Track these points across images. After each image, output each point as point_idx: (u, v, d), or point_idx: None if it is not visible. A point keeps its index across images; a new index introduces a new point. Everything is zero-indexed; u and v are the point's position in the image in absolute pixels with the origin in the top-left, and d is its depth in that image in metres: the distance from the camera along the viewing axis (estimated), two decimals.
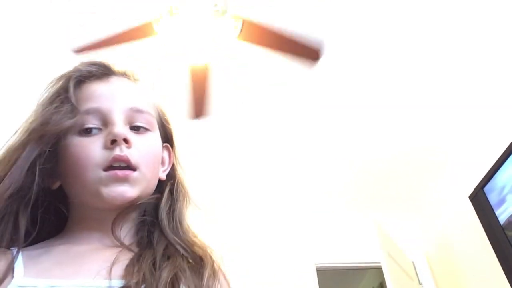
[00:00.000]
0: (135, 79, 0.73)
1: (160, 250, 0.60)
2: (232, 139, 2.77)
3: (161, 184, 0.70)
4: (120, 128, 0.63)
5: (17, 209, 0.59)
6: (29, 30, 2.04)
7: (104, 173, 0.61)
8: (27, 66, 2.18)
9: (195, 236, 0.67)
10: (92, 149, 0.61)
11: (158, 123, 0.71)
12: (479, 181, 2.46)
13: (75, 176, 0.62)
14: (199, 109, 2.10)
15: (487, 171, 2.40)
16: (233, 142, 2.79)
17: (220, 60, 2.15)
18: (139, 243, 0.63)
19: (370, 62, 2.32)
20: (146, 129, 0.67)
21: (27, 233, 0.60)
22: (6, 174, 0.59)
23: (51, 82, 0.67)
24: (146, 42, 1.87)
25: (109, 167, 0.61)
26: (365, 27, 2.15)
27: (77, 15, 1.99)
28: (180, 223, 0.67)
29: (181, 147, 0.78)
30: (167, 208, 0.67)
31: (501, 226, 2.25)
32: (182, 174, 0.74)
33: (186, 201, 0.71)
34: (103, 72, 0.69)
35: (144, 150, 0.65)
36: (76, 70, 0.68)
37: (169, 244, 0.62)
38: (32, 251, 0.59)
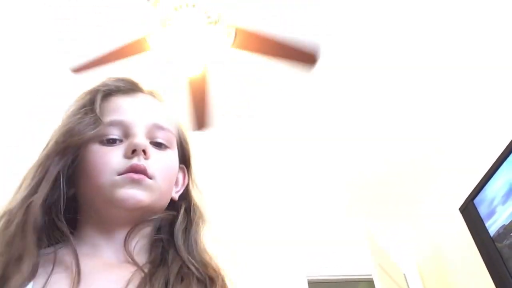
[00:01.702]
0: (160, 99, 0.76)
1: (174, 270, 0.61)
2: (223, 150, 2.77)
3: (174, 204, 0.71)
4: (141, 139, 0.65)
5: (52, 216, 0.62)
6: (26, 50, 2.05)
7: (119, 177, 0.63)
8: (25, 85, 2.19)
9: (210, 258, 0.67)
10: (111, 156, 0.64)
11: (177, 143, 0.73)
12: (469, 193, 2.48)
13: (91, 181, 0.64)
14: (200, 120, 2.08)
15: (477, 183, 2.42)
16: (224, 153, 2.79)
17: (216, 69, 2.15)
18: (152, 262, 0.63)
19: (362, 77, 2.35)
20: (166, 146, 0.69)
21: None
22: (39, 185, 0.61)
23: (79, 96, 0.70)
24: (141, 58, 1.86)
25: (125, 173, 0.63)
26: (357, 42, 2.18)
27: (71, 32, 1.99)
28: (196, 243, 0.67)
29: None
30: (183, 227, 0.68)
31: (491, 238, 2.27)
32: (199, 196, 0.75)
33: (202, 222, 0.71)
34: (130, 88, 0.72)
35: (161, 164, 0.67)
36: (104, 84, 0.71)
37: (183, 265, 0.62)
38: (41, 257, 0.59)
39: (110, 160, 0.63)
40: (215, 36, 1.81)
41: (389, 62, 2.29)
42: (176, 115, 0.76)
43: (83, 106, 0.67)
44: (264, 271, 3.19)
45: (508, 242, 2.15)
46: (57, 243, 0.62)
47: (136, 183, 0.62)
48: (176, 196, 0.72)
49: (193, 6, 1.76)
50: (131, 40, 1.80)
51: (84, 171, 0.64)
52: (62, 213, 0.62)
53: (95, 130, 0.64)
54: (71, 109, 0.69)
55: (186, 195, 0.74)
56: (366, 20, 2.09)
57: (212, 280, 0.63)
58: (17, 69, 2.16)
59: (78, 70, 1.80)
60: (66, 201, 0.64)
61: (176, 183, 0.73)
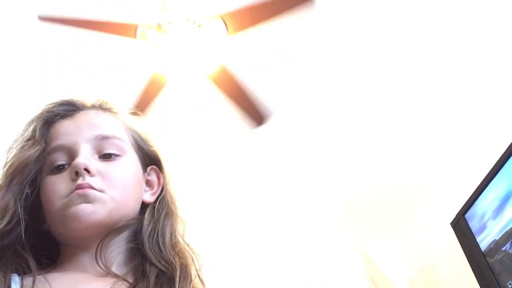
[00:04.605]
0: (105, 108, 0.74)
1: (152, 279, 0.61)
2: (217, 165, 2.77)
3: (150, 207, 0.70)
4: (82, 158, 0.64)
5: (15, 246, 0.61)
6: None
7: (66, 198, 0.62)
8: None
9: (177, 247, 0.67)
10: (58, 183, 0.63)
11: (134, 146, 0.72)
12: (460, 208, 2.49)
13: (48, 212, 0.64)
14: (255, 115, 2.01)
15: (468, 198, 2.44)
16: (218, 168, 2.79)
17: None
18: (134, 272, 0.64)
19: (351, 96, 2.37)
20: (116, 155, 0.68)
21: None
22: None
23: (21, 130, 0.70)
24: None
25: None
26: (347, 59, 2.21)
27: None
28: (163, 242, 0.66)
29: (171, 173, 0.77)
30: (149, 230, 0.67)
31: (482, 253, 2.28)
32: (169, 193, 0.73)
33: (170, 216, 0.70)
34: (68, 109, 0.71)
35: (111, 175, 0.65)
36: (42, 113, 0.70)
37: (159, 272, 0.62)
38: (28, 277, 0.59)
39: (58, 187, 0.63)
40: (209, 35, 1.78)
41: (380, 81, 2.32)
42: (126, 119, 0.74)
43: (25, 137, 0.68)
44: (258, 285, 3.17)
45: (499, 257, 2.17)
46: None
47: (82, 196, 0.61)
48: (152, 198, 0.71)
49: (169, 23, 1.73)
50: (120, 21, 1.73)
51: (43, 205, 0.64)
52: (32, 245, 0.63)
53: (33, 151, 0.64)
54: (14, 145, 0.68)
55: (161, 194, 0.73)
56: (348, 49, 2.13)
57: (176, 272, 0.63)
58: None
59: (46, 19, 1.68)
60: (45, 234, 0.65)
61: (151, 185, 0.73)
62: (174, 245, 0.67)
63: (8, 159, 0.66)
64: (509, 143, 2.10)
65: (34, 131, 0.67)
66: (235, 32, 1.78)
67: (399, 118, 2.53)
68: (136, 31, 1.72)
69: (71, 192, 0.61)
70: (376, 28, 2.08)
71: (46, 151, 0.65)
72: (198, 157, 2.65)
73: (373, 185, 2.98)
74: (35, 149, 0.65)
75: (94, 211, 0.61)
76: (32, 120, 0.69)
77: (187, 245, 0.69)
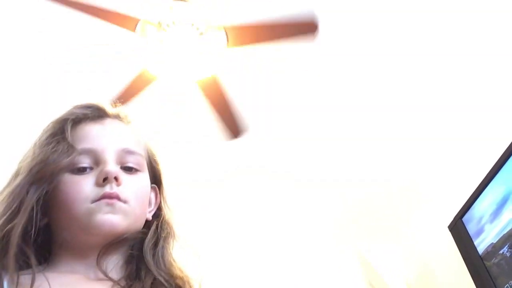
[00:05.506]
0: (127, 121, 0.76)
1: (148, 283, 0.63)
2: (214, 171, 2.76)
3: (147, 224, 0.72)
4: (112, 166, 0.66)
5: (20, 244, 0.61)
6: None
7: (93, 204, 0.63)
8: None
9: (177, 269, 0.69)
10: (83, 185, 0.64)
11: (147, 164, 0.74)
12: (458, 211, 2.49)
13: (65, 211, 0.64)
14: (232, 128, 2.04)
15: (465, 201, 2.43)
16: (215, 173, 2.78)
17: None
18: (128, 277, 0.65)
19: (352, 98, 2.37)
20: (137, 170, 0.70)
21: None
22: (14, 217, 0.61)
23: (47, 126, 0.70)
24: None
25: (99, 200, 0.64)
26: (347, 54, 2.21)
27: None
28: (163, 258, 0.69)
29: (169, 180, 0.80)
30: (152, 243, 0.69)
31: (480, 256, 2.27)
32: (169, 213, 0.76)
33: (171, 238, 0.73)
34: (97, 114, 0.73)
35: (133, 189, 0.68)
36: (71, 113, 0.71)
37: (155, 278, 0.64)
38: (26, 274, 0.59)
39: (82, 188, 0.64)
40: (209, 43, 1.79)
41: (378, 80, 2.32)
42: (143, 136, 0.77)
43: (54, 135, 0.68)
44: None
45: (496, 260, 2.16)
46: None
47: (110, 206, 0.63)
48: (149, 216, 0.74)
49: (173, 23, 1.75)
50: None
51: (57, 201, 0.65)
52: (32, 242, 0.63)
53: (69, 158, 0.65)
54: (41, 139, 0.69)
55: (157, 213, 0.75)
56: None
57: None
58: None
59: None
60: (38, 230, 0.64)
61: (149, 203, 0.75)
62: (173, 263, 0.69)
63: (38, 153, 0.66)
64: (507, 146, 2.10)
65: (63, 129, 0.68)
66: (234, 45, 1.81)
67: (397, 121, 2.53)
68: (136, 25, 1.73)
69: (98, 198, 0.63)
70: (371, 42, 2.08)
71: (72, 150, 0.66)
72: (192, 166, 2.65)
73: (371, 189, 2.97)
74: (65, 147, 0.65)
75: (118, 223, 0.64)
76: (61, 120, 0.70)
77: (182, 269, 0.70)
